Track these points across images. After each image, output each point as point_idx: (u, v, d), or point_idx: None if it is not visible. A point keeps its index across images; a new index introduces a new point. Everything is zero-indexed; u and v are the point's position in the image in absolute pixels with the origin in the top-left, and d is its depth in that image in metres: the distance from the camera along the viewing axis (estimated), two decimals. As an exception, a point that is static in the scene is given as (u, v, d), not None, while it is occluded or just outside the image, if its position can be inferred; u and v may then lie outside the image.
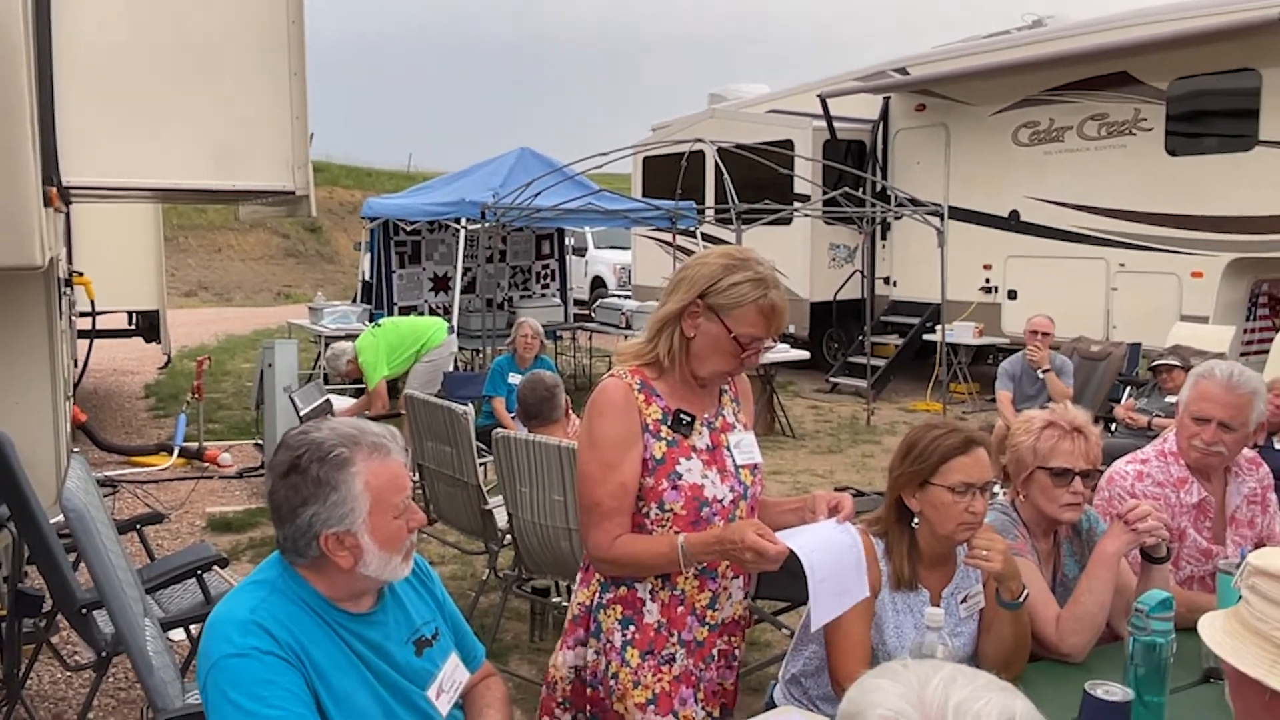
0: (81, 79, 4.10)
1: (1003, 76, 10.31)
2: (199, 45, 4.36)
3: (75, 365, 9.06)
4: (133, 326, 11.28)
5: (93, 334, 8.96)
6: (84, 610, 3.21)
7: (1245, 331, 9.02)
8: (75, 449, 7.09)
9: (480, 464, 4.55)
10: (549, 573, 4.17)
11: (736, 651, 2.25)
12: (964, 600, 2.25)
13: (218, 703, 1.67)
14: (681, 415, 2.10)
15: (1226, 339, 8.04)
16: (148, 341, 11.26)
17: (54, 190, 3.95)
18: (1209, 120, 8.97)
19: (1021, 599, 2.16)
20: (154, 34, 4.32)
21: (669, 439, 2.08)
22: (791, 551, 1.90)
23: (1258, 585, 1.35)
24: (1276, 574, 1.32)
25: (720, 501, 2.10)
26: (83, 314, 8.94)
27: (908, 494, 2.20)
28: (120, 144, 4.26)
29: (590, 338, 12.10)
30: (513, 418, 5.94)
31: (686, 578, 2.10)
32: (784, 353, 9.31)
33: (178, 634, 3.99)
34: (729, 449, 2.16)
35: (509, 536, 4.19)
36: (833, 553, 1.95)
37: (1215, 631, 1.40)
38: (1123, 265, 9.62)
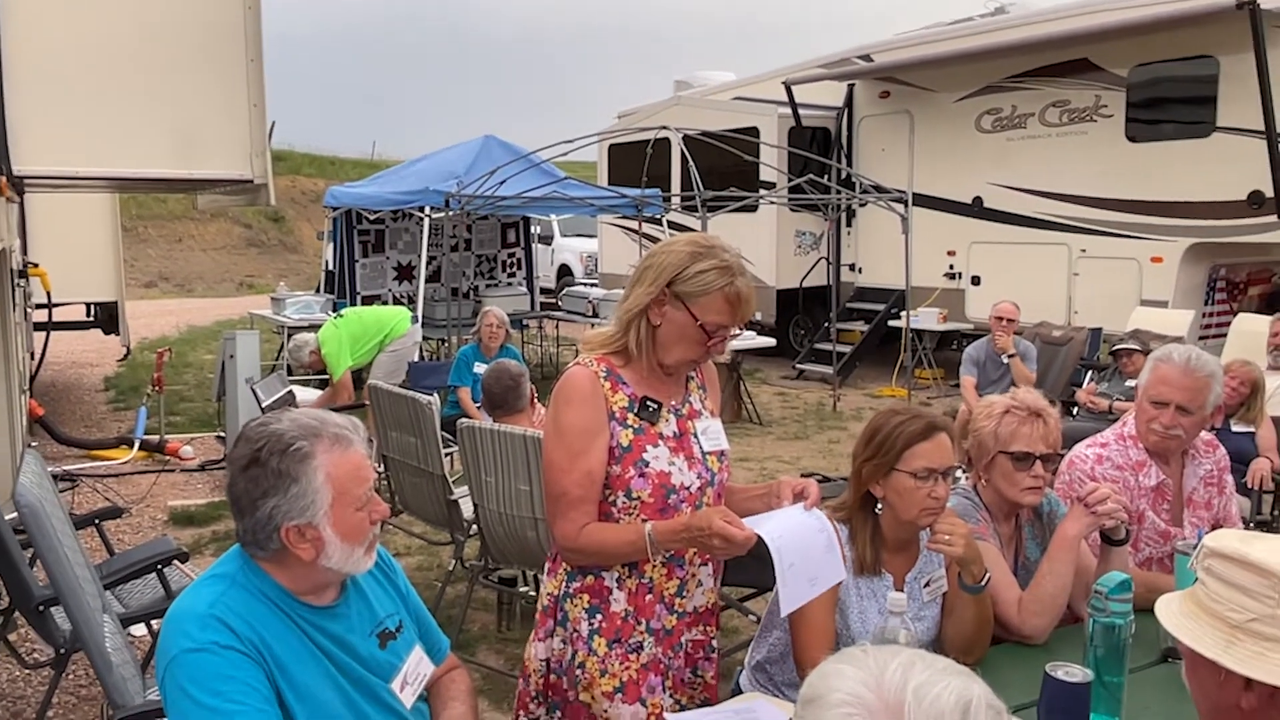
0: (32, 67, 4.02)
1: (966, 63, 10.37)
2: (153, 32, 4.28)
3: (32, 358, 8.92)
4: (91, 318, 11.11)
5: (49, 326, 8.82)
6: (41, 607, 3.16)
7: (1204, 316, 9.16)
8: (33, 443, 6.98)
9: (446, 454, 4.53)
10: (515, 562, 4.16)
11: (713, 642, 2.24)
12: (927, 584, 2.27)
13: (176, 699, 1.64)
14: (648, 402, 2.10)
15: (1185, 323, 8.16)
16: (106, 333, 11.10)
17: (4, 180, 3.87)
18: (1168, 107, 9.08)
19: (984, 583, 2.18)
20: (107, 21, 4.24)
21: (635, 426, 2.08)
22: (760, 538, 1.90)
23: (1213, 567, 1.36)
24: (1230, 555, 1.34)
25: (687, 489, 2.10)
26: (39, 306, 8.80)
27: (872, 481, 2.21)
28: (73, 133, 4.18)
29: (557, 326, 12.07)
30: (478, 407, 5.91)
31: (654, 566, 2.10)
32: (750, 340, 9.34)
33: (139, 629, 3.94)
34: (696, 436, 2.16)
35: (475, 527, 4.17)
36: (800, 538, 1.96)
37: (1172, 614, 1.41)
38: (1084, 251, 9.72)
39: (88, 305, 10.99)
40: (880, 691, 0.94)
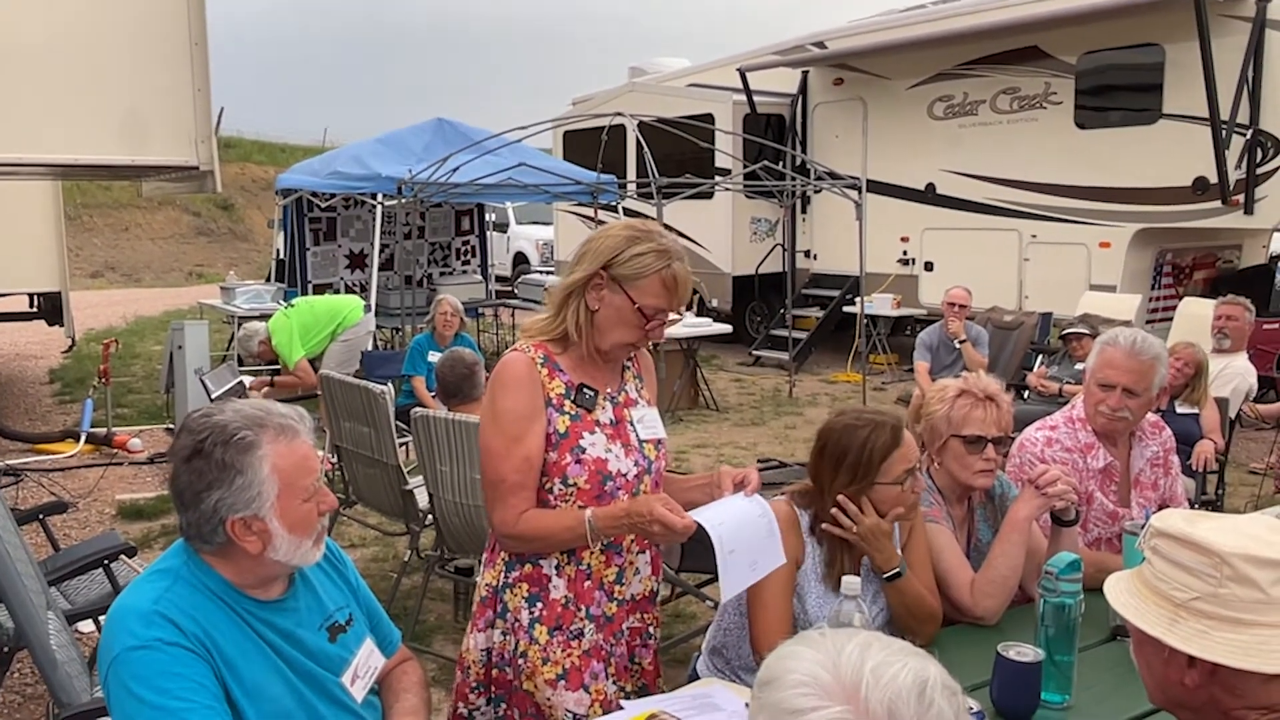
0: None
1: (918, 50, 10.44)
2: (94, 15, 4.17)
3: (-28, 350, 8.70)
4: (34, 309, 10.87)
5: (-10, 317, 8.62)
6: (-18, 605, 3.08)
7: (1151, 300, 9.33)
8: (-26, 438, 6.82)
9: (400, 444, 4.48)
10: (471, 552, 4.13)
11: (652, 629, 2.24)
12: (881, 568, 2.28)
13: (120, 698, 1.61)
14: (585, 389, 2.09)
15: (1133, 307, 8.31)
16: (51, 324, 10.87)
17: (-61, 166, 3.76)
18: (1115, 94, 9.21)
19: (890, 574, 2.20)
20: (46, 4, 4.12)
21: (572, 413, 2.07)
22: (701, 526, 1.90)
23: (1158, 546, 1.38)
24: (1175, 535, 1.36)
25: (624, 476, 2.10)
26: (-22, 297, 8.60)
27: (856, 501, 2.18)
28: (11, 117, 4.06)
29: (512, 314, 12.00)
30: (433, 396, 5.86)
31: (593, 553, 2.10)
32: (707, 326, 9.36)
33: (86, 626, 3.87)
34: (632, 424, 2.15)
35: (430, 517, 4.14)
36: (742, 525, 1.97)
37: (1120, 593, 1.43)
38: (1034, 236, 9.85)
39: (30, 296, 10.76)
40: (837, 672, 0.94)
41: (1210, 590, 1.31)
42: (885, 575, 2.20)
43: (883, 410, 2.30)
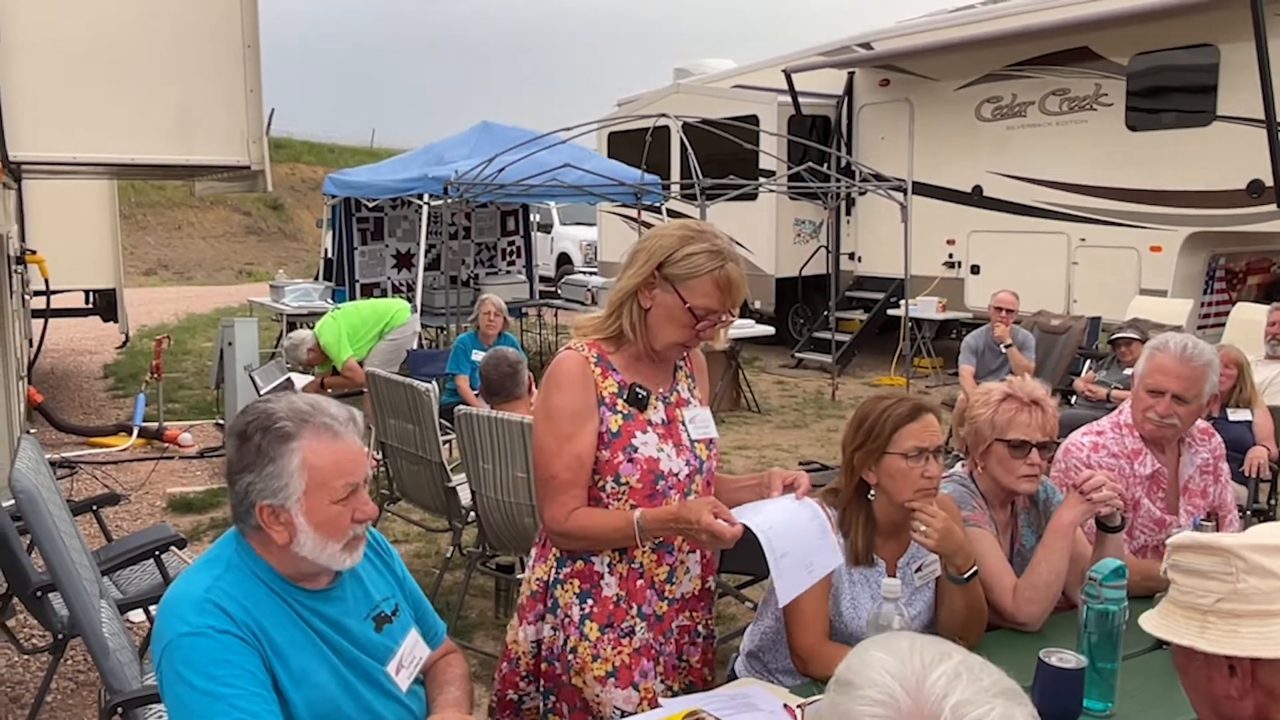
0: (28, 52, 4.01)
1: (966, 51, 10.34)
2: (150, 17, 4.26)
3: (30, 345, 8.93)
4: (90, 305, 11.11)
5: (48, 313, 8.83)
6: (38, 593, 3.17)
7: (1203, 305, 9.16)
8: (31, 430, 6.99)
9: (443, 441, 4.53)
10: (513, 549, 4.16)
11: (700, 628, 2.25)
12: (918, 569, 2.27)
13: (172, 683, 1.65)
14: (637, 389, 2.10)
15: (1184, 312, 8.16)
16: (105, 321, 11.11)
17: (0, 165, 3.87)
18: (1168, 96, 9.05)
19: (968, 575, 2.18)
20: (104, 6, 4.22)
21: (625, 413, 2.08)
22: (749, 528, 1.90)
23: (1177, 561, 1.41)
24: (1187, 544, 1.39)
25: (676, 475, 2.10)
26: (37, 293, 8.81)
27: (864, 468, 2.21)
28: (69, 118, 4.16)
29: (556, 315, 12.06)
30: (476, 395, 5.91)
31: (644, 551, 2.11)
32: (749, 328, 9.34)
33: (137, 615, 3.95)
34: (684, 424, 2.16)
35: (473, 514, 4.17)
36: (792, 527, 1.96)
37: (1152, 617, 1.46)
38: (1083, 240, 9.71)
39: (86, 292, 11.00)
40: (918, 698, 0.90)
41: (1229, 588, 1.32)
42: (964, 576, 2.18)
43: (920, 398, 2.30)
